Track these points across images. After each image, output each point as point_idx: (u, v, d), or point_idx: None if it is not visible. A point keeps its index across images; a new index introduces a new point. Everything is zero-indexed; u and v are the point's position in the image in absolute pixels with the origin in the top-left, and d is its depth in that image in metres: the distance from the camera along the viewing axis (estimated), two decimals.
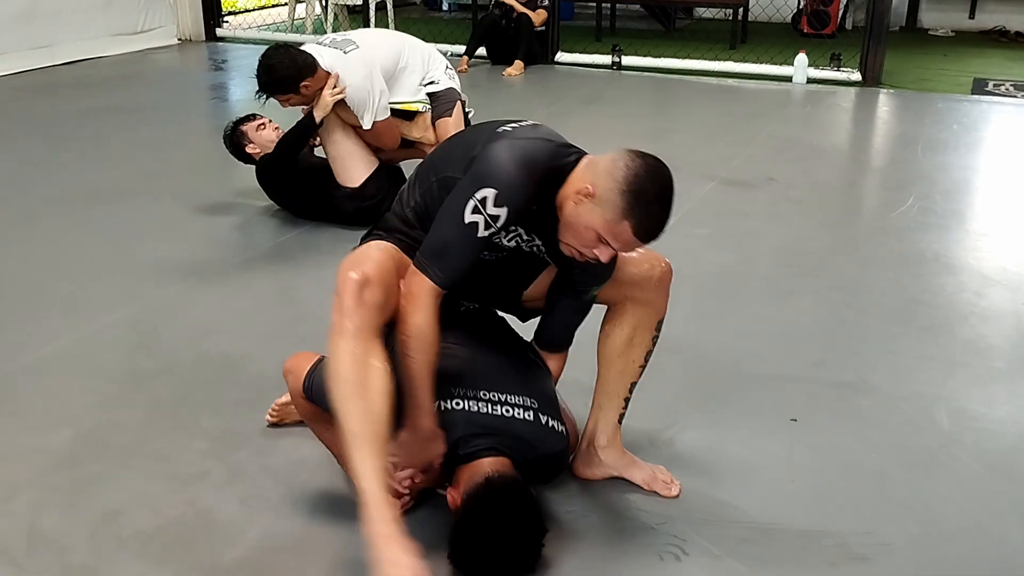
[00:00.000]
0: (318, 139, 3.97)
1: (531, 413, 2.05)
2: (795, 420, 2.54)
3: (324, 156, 3.97)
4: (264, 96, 3.77)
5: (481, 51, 7.61)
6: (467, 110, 4.09)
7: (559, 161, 1.92)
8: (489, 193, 1.83)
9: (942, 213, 4.19)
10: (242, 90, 7.04)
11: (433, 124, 3.97)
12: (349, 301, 1.83)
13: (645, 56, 7.55)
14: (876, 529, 2.11)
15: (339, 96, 3.66)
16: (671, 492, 2.23)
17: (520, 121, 2.00)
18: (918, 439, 2.47)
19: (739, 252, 3.71)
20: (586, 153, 1.97)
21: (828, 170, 4.92)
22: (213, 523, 2.15)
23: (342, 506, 2.11)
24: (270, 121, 4.06)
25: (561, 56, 7.79)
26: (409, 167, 3.88)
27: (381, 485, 1.78)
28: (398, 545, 1.73)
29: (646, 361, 2.22)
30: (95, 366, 2.82)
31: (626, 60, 7.52)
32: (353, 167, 3.85)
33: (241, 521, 2.15)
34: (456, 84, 4.04)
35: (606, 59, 7.58)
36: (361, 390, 1.80)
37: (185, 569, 2.00)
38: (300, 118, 3.81)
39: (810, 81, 6.94)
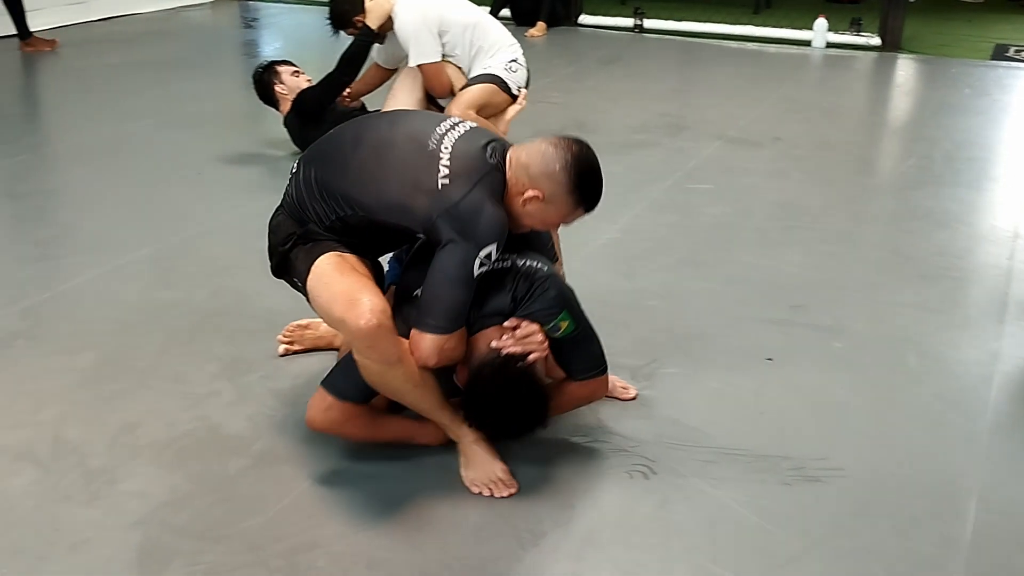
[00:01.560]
0: (349, 99, 4.20)
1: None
2: (771, 359, 2.69)
3: (355, 107, 4.20)
4: (335, 32, 4.07)
5: (505, 12, 7.71)
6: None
7: (497, 174, 2.11)
8: (492, 248, 2.04)
9: (940, 172, 4.28)
10: (271, 48, 7.22)
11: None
12: (384, 345, 2.02)
13: (667, 20, 7.62)
14: (832, 455, 2.26)
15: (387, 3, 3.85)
16: (628, 395, 2.47)
17: (444, 130, 2.13)
18: (884, 377, 2.61)
19: (736, 205, 3.83)
20: (497, 142, 2.16)
21: (834, 131, 5.00)
22: (221, 436, 2.34)
23: None
24: (304, 73, 4.24)
25: (584, 18, 7.87)
26: None
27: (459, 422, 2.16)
28: (486, 449, 2.16)
29: None
30: (118, 297, 3.03)
31: (648, 23, 7.59)
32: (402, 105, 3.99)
33: (247, 435, 2.34)
34: (511, 80, 3.91)
35: (628, 22, 7.66)
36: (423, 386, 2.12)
37: (194, 475, 2.20)
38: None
39: (830, 46, 6.98)
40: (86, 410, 2.44)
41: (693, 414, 2.43)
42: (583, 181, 2.11)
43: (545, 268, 2.17)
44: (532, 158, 2.10)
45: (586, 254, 3.37)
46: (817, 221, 3.71)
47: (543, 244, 2.34)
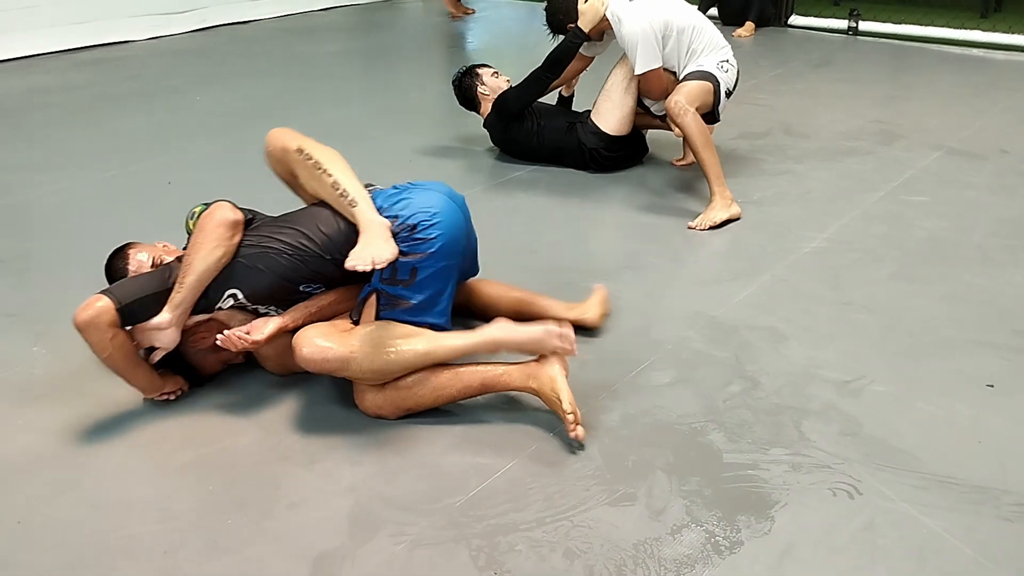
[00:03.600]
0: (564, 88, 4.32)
1: None
2: (991, 386, 2.54)
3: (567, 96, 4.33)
4: (552, 35, 4.19)
5: (712, 11, 7.59)
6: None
7: None
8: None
9: None
10: (480, 40, 7.40)
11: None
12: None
13: (885, 22, 7.29)
14: None
15: (601, 7, 3.90)
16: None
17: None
18: None
19: (955, 220, 3.63)
20: None
21: None
22: (428, 414, 2.44)
23: None
24: (503, 74, 4.34)
25: (795, 19, 7.65)
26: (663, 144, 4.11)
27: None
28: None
29: None
30: None
31: (863, 25, 7.29)
32: (614, 113, 4.07)
33: (452, 415, 2.42)
34: (723, 80, 3.89)
35: (842, 24, 7.38)
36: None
37: (402, 449, 2.30)
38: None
39: None
40: (303, 379, 2.59)
41: (903, 436, 2.33)
42: None
43: None
44: None
45: (792, 261, 3.29)
46: None
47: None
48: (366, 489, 2.15)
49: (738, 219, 3.64)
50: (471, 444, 2.31)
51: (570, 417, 2.27)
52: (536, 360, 2.39)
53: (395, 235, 2.32)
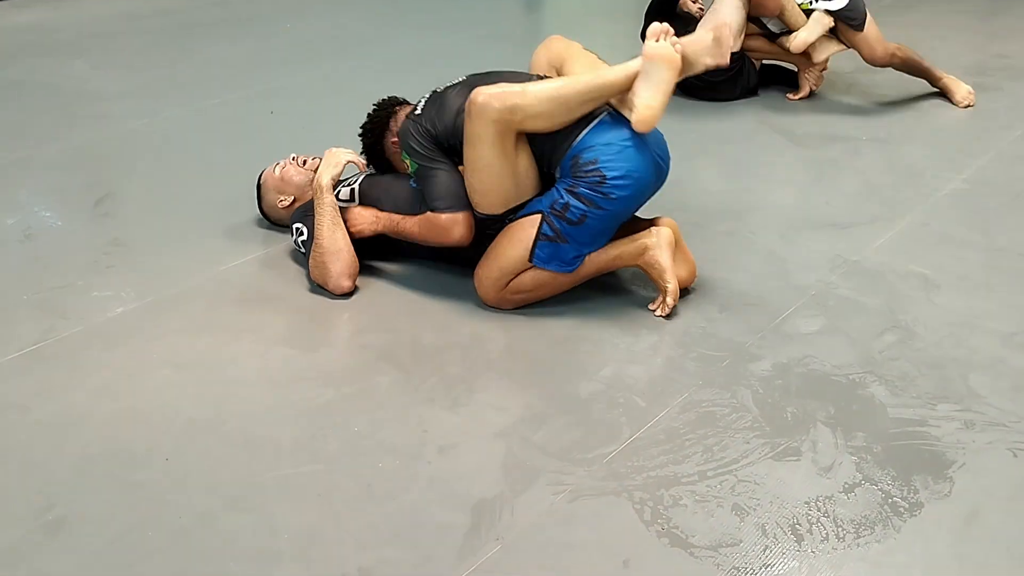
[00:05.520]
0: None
1: None
2: None
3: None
4: None
5: None
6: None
7: None
8: None
9: None
10: None
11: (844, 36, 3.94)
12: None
13: None
14: None
15: None
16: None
17: None
18: None
19: None
20: None
21: None
22: (571, 358, 2.36)
23: None
24: None
25: None
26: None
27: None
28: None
29: None
30: None
31: None
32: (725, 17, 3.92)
33: (596, 360, 2.34)
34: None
35: None
36: None
37: (546, 394, 2.22)
38: None
39: None
40: (438, 320, 2.51)
41: None
42: None
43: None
44: None
45: (931, 204, 3.12)
46: None
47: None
48: (516, 435, 2.08)
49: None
50: (617, 391, 2.22)
51: (670, 287, 2.43)
52: (644, 238, 2.48)
53: (585, 174, 2.33)
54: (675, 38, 2.33)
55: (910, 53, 3.99)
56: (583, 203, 2.35)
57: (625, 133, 2.36)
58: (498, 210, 2.45)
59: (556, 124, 2.35)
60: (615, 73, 2.35)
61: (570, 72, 2.53)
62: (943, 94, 4.05)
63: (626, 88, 2.34)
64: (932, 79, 4.04)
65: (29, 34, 5.14)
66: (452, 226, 2.46)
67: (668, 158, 2.49)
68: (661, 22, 2.35)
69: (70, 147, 3.66)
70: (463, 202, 2.46)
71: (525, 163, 2.42)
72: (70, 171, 3.46)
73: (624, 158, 2.34)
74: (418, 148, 2.48)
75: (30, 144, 3.67)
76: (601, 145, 2.35)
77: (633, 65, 2.34)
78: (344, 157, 2.65)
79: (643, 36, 2.38)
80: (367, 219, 2.61)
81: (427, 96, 2.56)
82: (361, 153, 2.76)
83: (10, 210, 3.16)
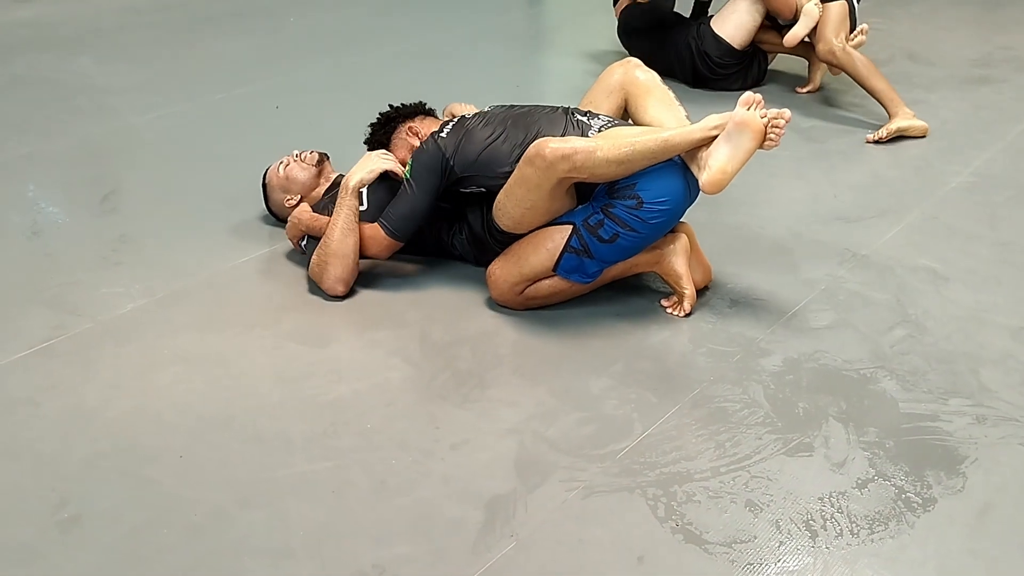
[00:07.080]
0: None
1: None
2: None
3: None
4: None
5: None
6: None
7: None
8: None
9: None
10: None
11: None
12: None
13: None
14: None
15: None
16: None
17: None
18: None
19: None
20: None
21: None
22: (582, 353, 2.35)
23: None
24: None
25: None
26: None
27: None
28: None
29: None
30: None
31: None
32: (733, 19, 3.99)
33: (607, 354, 2.34)
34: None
35: None
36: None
37: (557, 390, 2.22)
38: None
39: None
40: (447, 315, 2.51)
41: None
42: None
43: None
44: None
45: (939, 197, 3.12)
46: None
47: None
48: (528, 432, 2.08)
49: (923, 136, 3.56)
50: (628, 387, 2.22)
51: (687, 292, 2.46)
52: (660, 246, 2.48)
53: (622, 197, 2.33)
54: (764, 110, 2.29)
55: (857, 63, 3.64)
56: (618, 224, 2.34)
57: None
58: (522, 232, 2.46)
59: (617, 178, 2.33)
60: (686, 137, 2.31)
61: (640, 108, 2.55)
62: (945, 91, 4.06)
63: (693, 149, 2.32)
64: (879, 98, 3.65)
65: (30, 29, 5.13)
66: (384, 247, 2.54)
67: (694, 187, 2.44)
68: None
69: (75, 142, 3.66)
70: (407, 235, 2.53)
71: (565, 201, 2.41)
72: (76, 166, 3.46)
73: (662, 183, 2.33)
74: (424, 163, 2.48)
75: (35, 140, 3.67)
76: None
77: (704, 127, 2.31)
78: (381, 165, 2.59)
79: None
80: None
81: (453, 122, 2.54)
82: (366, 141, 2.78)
83: (17, 206, 3.16)
